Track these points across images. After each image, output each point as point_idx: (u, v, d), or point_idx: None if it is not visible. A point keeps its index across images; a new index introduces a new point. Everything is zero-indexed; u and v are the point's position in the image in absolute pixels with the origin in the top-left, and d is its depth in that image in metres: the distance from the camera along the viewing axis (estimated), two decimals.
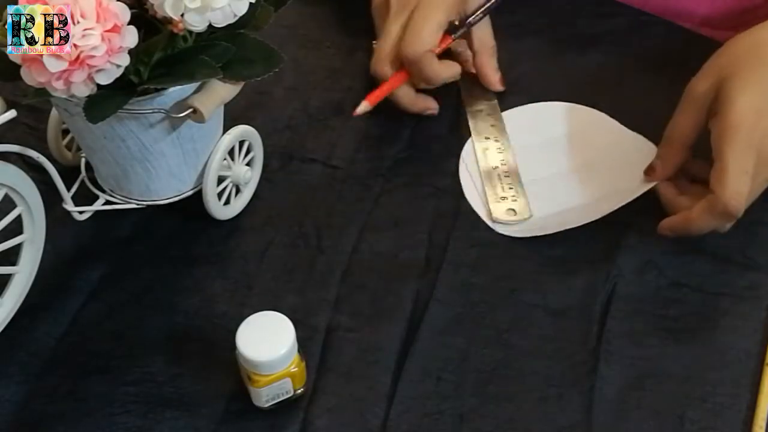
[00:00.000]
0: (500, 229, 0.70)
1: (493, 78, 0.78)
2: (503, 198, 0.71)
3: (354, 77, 0.81)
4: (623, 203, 0.69)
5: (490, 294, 0.66)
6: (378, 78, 0.75)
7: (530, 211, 0.70)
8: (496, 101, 0.79)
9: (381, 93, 0.75)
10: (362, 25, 0.84)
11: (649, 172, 0.70)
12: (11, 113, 0.58)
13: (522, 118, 0.78)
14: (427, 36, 0.73)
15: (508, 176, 0.73)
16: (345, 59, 0.82)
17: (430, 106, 0.77)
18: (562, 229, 0.68)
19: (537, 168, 0.74)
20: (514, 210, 0.70)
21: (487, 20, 0.78)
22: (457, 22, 0.76)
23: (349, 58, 0.82)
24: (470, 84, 0.80)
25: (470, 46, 0.79)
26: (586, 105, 0.78)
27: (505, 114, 0.78)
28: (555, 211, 0.71)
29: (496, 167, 0.74)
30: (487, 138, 0.76)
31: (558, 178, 0.73)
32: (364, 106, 0.74)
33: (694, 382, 0.61)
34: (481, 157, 0.74)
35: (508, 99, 0.78)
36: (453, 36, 0.76)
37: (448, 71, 0.76)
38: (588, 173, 0.73)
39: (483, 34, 0.78)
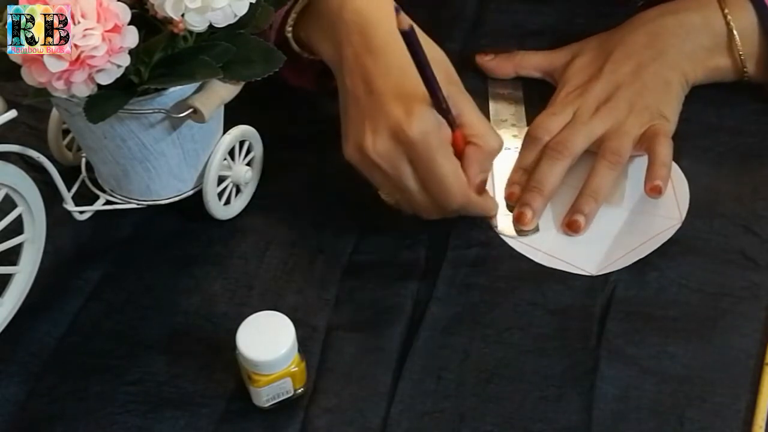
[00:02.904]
0: (500, 227, 0.70)
1: (472, 180, 0.66)
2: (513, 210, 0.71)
3: None
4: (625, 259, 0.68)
5: (490, 293, 0.66)
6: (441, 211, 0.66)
7: (537, 226, 0.70)
8: (523, 109, 0.78)
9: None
10: None
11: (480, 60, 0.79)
12: (12, 113, 0.58)
13: None
14: (455, 186, 0.63)
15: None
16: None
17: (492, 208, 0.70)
18: (551, 264, 0.68)
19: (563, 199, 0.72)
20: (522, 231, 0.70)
21: (467, 98, 0.67)
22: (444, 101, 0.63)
23: None
24: (497, 83, 0.80)
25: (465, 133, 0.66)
26: None
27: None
28: (559, 234, 0.70)
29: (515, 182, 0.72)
30: (507, 148, 0.73)
31: (571, 193, 0.71)
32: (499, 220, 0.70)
33: (693, 382, 0.61)
34: (497, 166, 0.73)
35: None
36: (454, 129, 0.65)
37: (489, 206, 0.69)
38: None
39: (471, 120, 0.66)
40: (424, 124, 0.62)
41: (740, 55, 0.74)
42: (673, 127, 0.72)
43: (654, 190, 0.68)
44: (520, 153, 0.73)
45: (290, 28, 0.69)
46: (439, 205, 0.65)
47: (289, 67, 0.67)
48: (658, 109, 0.72)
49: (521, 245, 0.69)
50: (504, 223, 0.70)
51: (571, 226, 0.69)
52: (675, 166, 0.72)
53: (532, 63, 0.80)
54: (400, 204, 0.67)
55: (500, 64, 0.80)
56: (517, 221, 0.70)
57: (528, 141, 0.73)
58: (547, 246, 0.69)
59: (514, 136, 0.76)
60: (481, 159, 0.66)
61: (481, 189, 0.67)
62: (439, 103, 0.62)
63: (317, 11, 0.68)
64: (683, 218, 0.69)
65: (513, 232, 0.70)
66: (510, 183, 0.72)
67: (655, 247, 0.68)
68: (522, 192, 0.71)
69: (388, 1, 0.64)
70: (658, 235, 0.69)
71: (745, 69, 0.74)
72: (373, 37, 0.64)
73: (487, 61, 0.80)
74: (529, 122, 0.75)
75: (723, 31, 0.74)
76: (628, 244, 0.68)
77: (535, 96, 0.79)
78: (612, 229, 0.70)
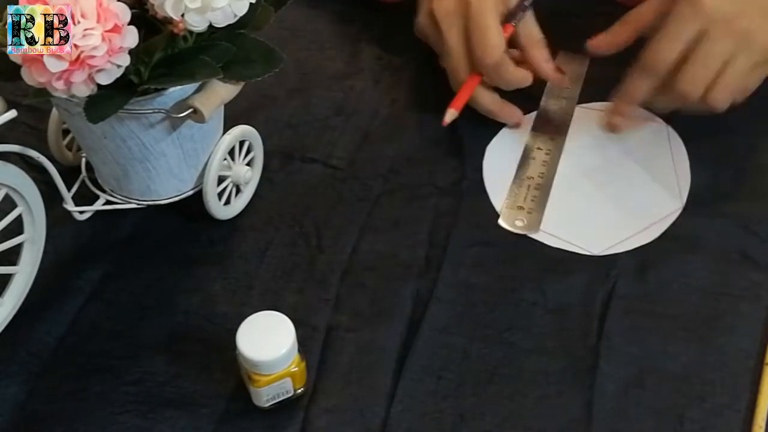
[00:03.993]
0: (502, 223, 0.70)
1: (546, 68, 0.75)
2: (520, 208, 0.71)
3: (355, 77, 0.81)
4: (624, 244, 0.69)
5: (491, 293, 0.66)
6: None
7: (539, 226, 0.70)
8: (573, 110, 0.78)
9: (463, 97, 0.73)
10: (363, 26, 0.84)
11: (594, 43, 0.76)
12: (12, 113, 0.58)
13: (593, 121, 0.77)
14: (495, 39, 0.71)
15: (538, 189, 0.72)
16: (346, 60, 0.82)
17: (515, 115, 0.76)
18: (555, 244, 0.69)
19: (572, 181, 0.73)
20: (523, 221, 0.70)
21: (530, 14, 0.76)
22: (513, 7, 0.74)
23: (350, 58, 0.82)
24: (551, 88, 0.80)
25: (517, 45, 0.76)
26: (587, 105, 0.78)
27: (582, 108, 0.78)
28: (562, 215, 0.70)
29: (532, 177, 0.73)
30: (539, 149, 0.75)
31: (584, 183, 0.72)
32: (451, 114, 0.73)
33: (693, 382, 0.61)
34: (522, 162, 0.74)
35: (510, 100, 0.78)
36: (513, 22, 0.74)
37: (521, 76, 0.74)
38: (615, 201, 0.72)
39: (527, 27, 0.75)
40: None
41: None
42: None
43: (610, 126, 0.74)
44: (630, 81, 0.72)
45: None
46: (477, 58, 0.72)
47: None
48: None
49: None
50: (507, 218, 0.70)
51: (610, 125, 0.73)
52: (681, 147, 0.72)
53: (644, 13, 0.74)
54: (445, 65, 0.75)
55: (616, 34, 0.75)
56: (612, 128, 0.74)
57: (642, 71, 0.71)
58: (550, 227, 0.69)
59: (552, 138, 0.76)
60: (540, 54, 0.75)
61: (556, 73, 0.76)
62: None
63: None
64: (684, 203, 0.70)
65: (514, 228, 0.70)
66: (614, 111, 0.75)
67: (658, 235, 0.68)
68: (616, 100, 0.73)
69: None
70: (660, 221, 0.69)
71: None
72: None
73: (600, 40, 0.76)
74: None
75: None
76: (630, 227, 0.69)
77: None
78: (614, 211, 0.70)
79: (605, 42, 0.76)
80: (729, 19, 0.67)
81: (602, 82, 0.77)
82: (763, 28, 0.68)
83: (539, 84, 0.77)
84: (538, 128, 0.77)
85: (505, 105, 0.76)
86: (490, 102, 0.75)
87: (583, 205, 0.71)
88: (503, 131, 0.77)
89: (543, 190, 0.72)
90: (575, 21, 0.84)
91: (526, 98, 0.77)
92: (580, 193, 0.71)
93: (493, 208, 0.71)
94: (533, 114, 0.78)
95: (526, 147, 0.75)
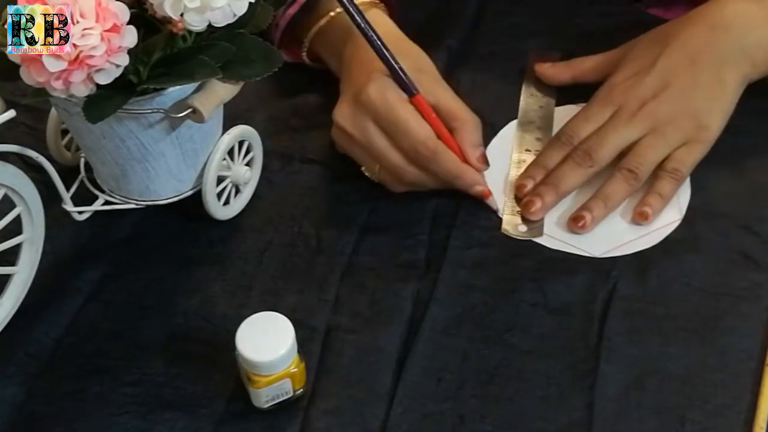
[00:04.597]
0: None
1: (472, 155, 0.69)
2: (519, 212, 0.70)
3: None
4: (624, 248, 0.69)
5: (491, 294, 0.66)
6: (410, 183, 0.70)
7: (544, 229, 0.70)
8: (553, 107, 0.78)
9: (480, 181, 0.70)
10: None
11: (539, 69, 0.78)
12: (10, 113, 0.58)
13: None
14: (421, 130, 0.67)
15: None
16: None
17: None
18: (555, 246, 0.68)
19: None
20: (525, 226, 0.70)
21: (442, 86, 0.70)
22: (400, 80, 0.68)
23: None
24: (532, 84, 0.79)
25: (442, 121, 0.69)
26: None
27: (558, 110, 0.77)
28: (565, 232, 0.70)
29: None
30: (527, 150, 0.74)
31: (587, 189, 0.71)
32: (492, 201, 0.71)
33: (694, 383, 0.60)
34: (514, 168, 0.73)
35: (510, 100, 0.78)
36: (414, 91, 0.68)
37: (461, 167, 0.69)
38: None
39: (448, 104, 0.69)
40: (380, 85, 0.67)
41: None
42: (716, 135, 0.70)
43: (641, 216, 0.69)
44: (544, 150, 0.72)
45: (305, 50, 0.77)
46: (412, 157, 0.67)
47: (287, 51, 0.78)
48: (705, 117, 0.70)
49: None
50: (510, 223, 0.70)
51: (576, 221, 0.69)
52: None
53: (590, 66, 0.77)
54: (381, 177, 0.70)
55: (558, 71, 0.78)
56: (525, 208, 0.70)
57: (555, 143, 0.72)
58: (551, 229, 0.69)
59: (538, 139, 0.75)
60: (467, 136, 0.69)
61: (482, 161, 0.70)
62: (395, 73, 0.67)
63: (329, 35, 0.75)
64: (684, 213, 0.70)
65: (517, 233, 0.70)
66: (524, 175, 0.71)
67: (656, 242, 0.68)
68: (537, 184, 0.70)
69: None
70: (659, 230, 0.69)
71: None
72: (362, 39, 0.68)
73: (546, 69, 0.78)
74: (557, 124, 0.75)
75: None
76: (630, 234, 0.69)
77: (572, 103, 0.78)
78: (615, 217, 0.70)
79: (549, 73, 0.78)
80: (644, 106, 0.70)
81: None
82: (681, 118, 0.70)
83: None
84: (522, 129, 0.76)
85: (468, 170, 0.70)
86: (431, 185, 0.70)
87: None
88: (503, 132, 0.76)
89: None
90: (578, 21, 0.84)
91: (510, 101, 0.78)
92: (580, 197, 0.71)
93: (493, 208, 0.71)
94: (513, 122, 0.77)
95: (512, 150, 0.75)
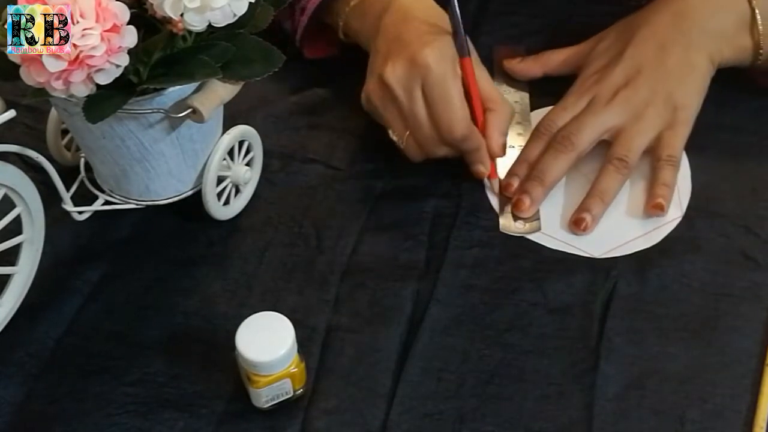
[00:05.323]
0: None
1: (496, 142, 0.71)
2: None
3: (355, 77, 0.80)
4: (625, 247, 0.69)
5: (491, 294, 0.66)
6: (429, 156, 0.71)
7: (539, 224, 0.70)
8: (528, 101, 0.78)
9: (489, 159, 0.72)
10: None
11: (508, 66, 0.79)
12: (10, 113, 0.58)
13: None
14: (461, 112, 0.68)
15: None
16: (347, 59, 0.82)
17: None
18: (555, 246, 0.69)
19: (572, 184, 0.73)
20: (523, 224, 0.70)
21: (483, 70, 0.72)
22: (458, 43, 0.69)
23: (351, 58, 0.82)
24: (503, 80, 0.80)
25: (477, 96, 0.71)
26: None
27: (536, 113, 0.77)
28: (565, 232, 0.70)
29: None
30: (511, 147, 0.74)
31: (582, 181, 0.72)
32: (495, 183, 0.72)
33: (694, 382, 0.60)
34: (501, 163, 0.73)
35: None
36: (466, 53, 0.69)
37: (484, 148, 0.71)
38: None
39: (486, 89, 0.71)
40: (440, 52, 0.67)
41: (760, 35, 0.72)
42: (694, 114, 0.72)
43: (656, 208, 0.69)
44: (526, 145, 0.73)
45: (341, 22, 0.77)
46: (443, 132, 0.68)
47: (309, 45, 0.80)
48: (680, 97, 0.71)
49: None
50: (507, 221, 0.70)
51: (577, 224, 0.69)
52: (683, 157, 0.72)
53: (560, 59, 0.78)
54: (407, 143, 0.70)
55: (528, 66, 0.79)
56: (515, 207, 0.70)
57: (535, 134, 0.73)
58: (550, 229, 0.69)
59: (519, 134, 0.76)
60: (498, 122, 0.71)
61: (502, 150, 0.71)
62: (457, 29, 0.68)
63: (367, 8, 0.75)
64: (684, 211, 0.70)
65: (515, 230, 0.70)
66: (510, 174, 0.72)
67: (657, 241, 0.68)
68: (522, 181, 0.71)
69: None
70: (660, 228, 0.69)
71: (760, 51, 0.73)
72: (412, 9, 0.71)
73: (515, 65, 0.79)
74: (535, 124, 0.75)
75: (746, 9, 0.73)
76: (630, 233, 0.69)
77: (546, 95, 0.78)
78: (615, 215, 0.70)
79: (518, 68, 0.79)
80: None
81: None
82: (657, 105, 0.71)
83: None
84: None
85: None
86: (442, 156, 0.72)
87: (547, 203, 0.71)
88: None
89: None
90: (578, 21, 0.84)
91: None
92: (579, 197, 0.71)
93: (493, 208, 0.71)
94: None
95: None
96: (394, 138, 0.71)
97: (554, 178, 0.70)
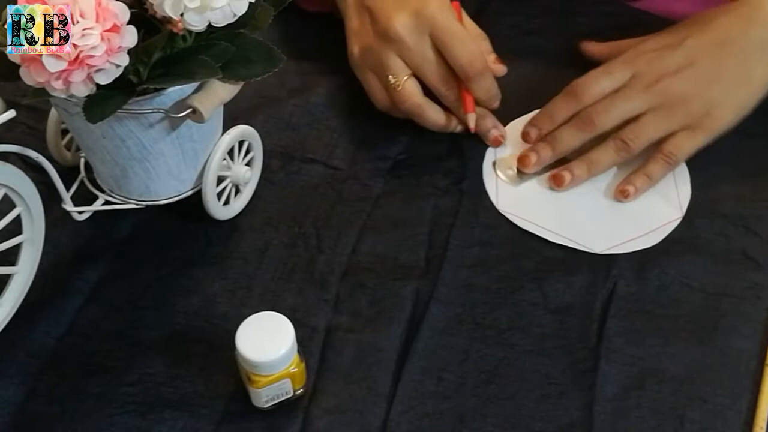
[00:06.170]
0: (501, 205, 0.71)
1: (488, 59, 0.74)
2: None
3: (355, 77, 0.80)
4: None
5: (491, 294, 0.66)
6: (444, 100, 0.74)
7: (522, 182, 0.72)
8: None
9: (471, 98, 0.73)
10: None
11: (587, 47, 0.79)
12: (11, 113, 0.58)
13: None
14: (475, 46, 0.71)
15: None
16: (346, 59, 0.82)
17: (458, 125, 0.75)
18: (556, 240, 0.69)
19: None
20: (513, 170, 0.73)
21: (463, 11, 0.76)
22: None
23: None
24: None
25: None
26: None
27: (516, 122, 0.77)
28: (565, 213, 0.71)
29: None
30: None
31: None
32: (473, 117, 0.73)
33: (694, 382, 0.61)
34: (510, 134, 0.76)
35: (510, 100, 0.78)
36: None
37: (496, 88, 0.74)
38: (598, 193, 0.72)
39: (466, 24, 0.75)
40: (441, 2, 0.71)
41: None
42: (724, 128, 0.70)
43: (622, 193, 0.70)
44: (554, 100, 0.73)
45: None
46: (465, 68, 0.71)
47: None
48: (719, 106, 0.69)
49: (526, 223, 0.70)
50: (505, 199, 0.71)
51: (555, 179, 0.71)
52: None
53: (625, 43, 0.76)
54: (404, 86, 0.72)
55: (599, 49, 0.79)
56: (520, 162, 0.72)
57: (567, 93, 0.72)
58: (552, 224, 0.69)
59: None
60: (482, 47, 0.74)
61: (499, 63, 0.74)
62: None
63: None
64: (684, 212, 0.70)
65: (503, 176, 0.72)
66: (530, 123, 0.73)
67: (657, 241, 0.68)
68: (537, 138, 0.72)
69: None
70: (660, 228, 0.69)
71: None
72: None
73: (593, 47, 0.79)
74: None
75: None
76: (630, 232, 0.69)
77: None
78: (616, 213, 0.70)
79: (597, 49, 0.79)
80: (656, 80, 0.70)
81: None
82: (704, 98, 0.69)
83: None
84: None
85: (453, 118, 0.75)
86: (437, 117, 0.74)
87: (585, 206, 0.71)
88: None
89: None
90: (579, 20, 0.84)
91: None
92: (581, 194, 0.71)
93: (493, 208, 0.71)
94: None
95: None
96: (392, 81, 0.73)
97: (566, 149, 0.72)
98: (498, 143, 0.75)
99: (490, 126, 0.75)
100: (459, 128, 0.75)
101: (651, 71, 0.70)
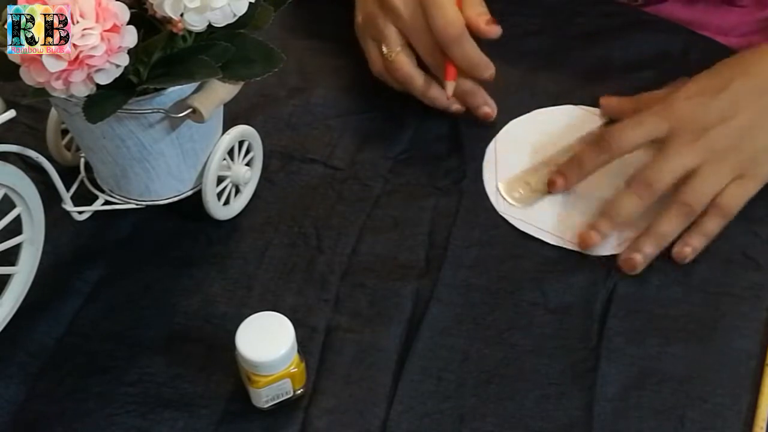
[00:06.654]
0: (502, 208, 0.71)
1: (479, 20, 0.73)
2: (527, 183, 0.72)
3: (355, 77, 0.80)
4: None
5: (491, 294, 0.66)
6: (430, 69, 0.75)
7: (533, 204, 0.71)
8: None
9: (452, 67, 0.73)
10: None
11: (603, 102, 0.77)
12: (11, 113, 0.58)
13: (537, 123, 0.77)
14: (454, 12, 0.72)
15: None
16: (346, 59, 0.82)
17: (443, 97, 0.75)
18: (557, 243, 0.69)
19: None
20: (520, 192, 0.71)
21: None
22: None
23: (351, 58, 0.82)
24: None
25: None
26: (588, 105, 0.78)
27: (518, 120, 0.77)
28: (567, 230, 0.70)
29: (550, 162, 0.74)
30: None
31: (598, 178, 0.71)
32: (451, 85, 0.73)
33: (694, 382, 0.61)
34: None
35: (511, 99, 0.78)
36: None
37: (483, 58, 0.73)
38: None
39: None
40: None
41: None
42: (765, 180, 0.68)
43: (680, 255, 0.66)
44: (585, 152, 0.70)
45: None
46: (439, 34, 0.71)
47: None
48: (764, 150, 0.67)
49: (527, 225, 0.70)
50: (506, 203, 0.71)
51: (628, 263, 0.66)
52: None
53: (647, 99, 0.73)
54: (397, 59, 0.74)
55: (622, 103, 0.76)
56: (582, 243, 0.68)
57: (598, 144, 0.69)
58: (551, 227, 0.69)
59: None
60: (474, 9, 0.74)
61: (492, 24, 0.73)
62: None
63: None
64: None
65: (509, 198, 0.71)
66: (558, 172, 0.71)
67: None
68: (598, 217, 0.68)
69: None
70: None
71: None
72: None
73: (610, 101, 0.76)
74: None
75: None
76: (627, 232, 0.68)
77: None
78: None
79: (617, 105, 0.76)
80: (698, 129, 0.66)
81: None
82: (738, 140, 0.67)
83: None
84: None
85: (435, 86, 0.75)
86: (426, 88, 0.75)
87: (584, 209, 0.71)
88: (504, 131, 0.76)
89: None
90: (579, 21, 0.84)
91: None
92: (581, 197, 0.71)
93: (493, 208, 0.71)
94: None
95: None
96: (385, 51, 0.74)
97: (628, 219, 0.67)
98: (488, 118, 0.75)
99: (480, 102, 0.75)
100: (455, 106, 0.75)
101: (694, 122, 0.67)
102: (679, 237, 0.67)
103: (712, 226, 0.67)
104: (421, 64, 0.75)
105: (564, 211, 0.71)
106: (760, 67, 0.69)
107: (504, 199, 0.71)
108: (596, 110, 0.77)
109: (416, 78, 0.75)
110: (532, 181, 0.72)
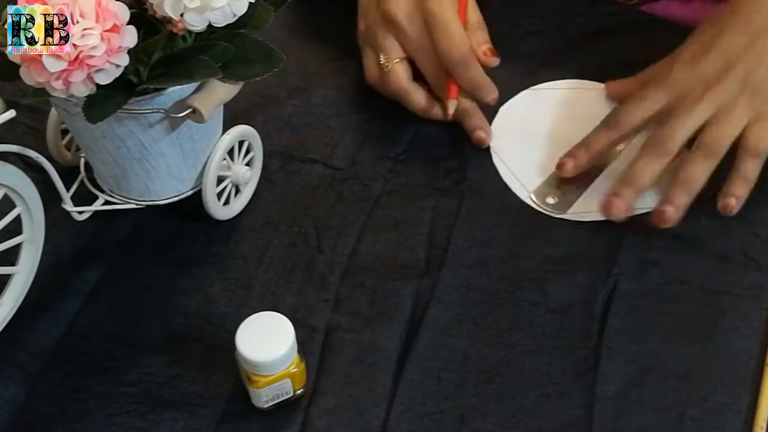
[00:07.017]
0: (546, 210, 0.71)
1: (479, 50, 0.74)
2: (557, 187, 0.72)
3: (355, 77, 0.80)
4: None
5: (491, 294, 0.66)
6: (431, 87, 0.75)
7: (569, 209, 0.71)
8: None
9: (454, 85, 0.73)
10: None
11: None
12: (11, 113, 0.58)
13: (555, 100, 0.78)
14: (460, 33, 0.72)
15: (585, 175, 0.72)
16: (346, 59, 0.82)
17: (442, 113, 0.75)
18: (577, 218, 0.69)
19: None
20: (554, 198, 0.71)
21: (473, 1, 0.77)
22: None
23: (351, 58, 0.82)
24: None
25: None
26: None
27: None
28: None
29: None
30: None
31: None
32: (453, 104, 0.73)
33: (694, 381, 0.61)
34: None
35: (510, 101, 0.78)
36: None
37: (487, 80, 0.74)
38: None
39: (467, 12, 0.76)
40: None
41: None
42: None
43: (725, 207, 0.67)
44: (593, 133, 0.71)
45: None
46: (443, 55, 0.72)
47: None
48: None
49: (582, 215, 0.70)
50: (539, 193, 0.72)
51: (659, 216, 0.67)
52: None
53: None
54: (393, 68, 0.74)
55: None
56: (605, 210, 0.68)
57: (606, 125, 0.71)
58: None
59: None
60: (478, 37, 0.75)
61: (492, 54, 0.74)
62: None
63: None
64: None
65: (542, 205, 0.71)
66: (567, 154, 0.71)
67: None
68: (574, 169, 0.71)
69: None
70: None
71: None
72: None
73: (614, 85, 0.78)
74: None
75: None
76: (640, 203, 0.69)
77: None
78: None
79: (617, 87, 0.77)
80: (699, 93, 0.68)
81: None
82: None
83: None
84: None
85: (436, 104, 0.75)
86: (420, 102, 0.75)
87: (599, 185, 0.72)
88: (496, 120, 0.77)
89: (590, 176, 0.72)
90: (579, 21, 0.84)
91: None
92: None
93: (493, 208, 0.71)
94: None
95: None
96: (383, 60, 0.74)
97: (648, 183, 0.68)
98: (481, 143, 0.74)
99: (477, 125, 0.75)
100: (440, 115, 0.75)
101: (694, 84, 0.68)
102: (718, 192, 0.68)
103: (749, 168, 0.67)
104: (416, 77, 0.75)
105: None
106: (742, 18, 0.69)
107: (539, 205, 0.71)
108: (572, 82, 0.78)
109: (411, 91, 0.75)
110: (562, 186, 0.72)
